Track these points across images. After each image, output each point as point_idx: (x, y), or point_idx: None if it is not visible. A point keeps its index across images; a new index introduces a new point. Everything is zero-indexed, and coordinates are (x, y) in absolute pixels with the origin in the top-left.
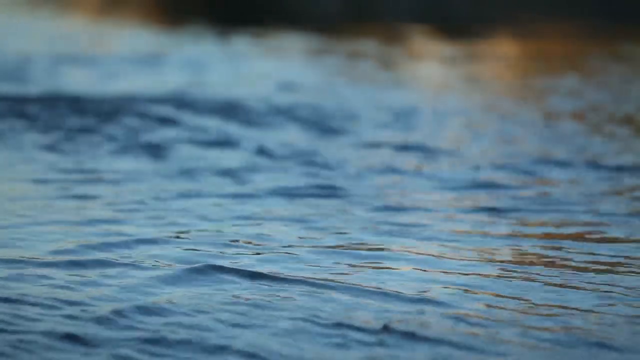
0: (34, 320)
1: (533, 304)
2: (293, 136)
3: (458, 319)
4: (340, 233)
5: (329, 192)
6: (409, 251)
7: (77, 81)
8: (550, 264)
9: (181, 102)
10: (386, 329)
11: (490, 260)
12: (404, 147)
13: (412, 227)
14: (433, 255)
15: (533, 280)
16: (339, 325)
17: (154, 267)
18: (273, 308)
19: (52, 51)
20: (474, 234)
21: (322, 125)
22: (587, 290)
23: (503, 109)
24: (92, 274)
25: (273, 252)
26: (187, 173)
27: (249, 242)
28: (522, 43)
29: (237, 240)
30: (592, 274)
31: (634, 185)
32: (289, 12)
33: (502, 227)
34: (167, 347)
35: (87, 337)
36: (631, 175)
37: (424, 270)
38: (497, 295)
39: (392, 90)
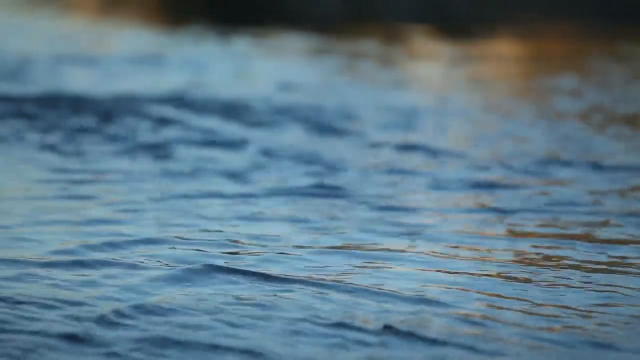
0: (34, 320)
1: (533, 304)
2: (293, 136)
3: (458, 319)
4: (340, 233)
5: (329, 192)
6: (408, 251)
7: (77, 81)
8: (550, 264)
9: (181, 102)
10: (386, 329)
11: (490, 260)
12: (405, 147)
13: (413, 227)
14: (433, 255)
15: (533, 281)
16: (339, 325)
17: (154, 267)
18: (273, 308)
19: (52, 51)
20: (474, 234)
21: (322, 125)
22: (587, 290)
23: (504, 108)
24: (92, 274)
25: (273, 252)
26: (187, 173)
27: (249, 242)
28: (522, 43)
29: (237, 240)
30: (592, 274)
31: (634, 185)
32: (289, 12)
33: (503, 227)
34: (167, 347)
35: (87, 337)
36: (632, 175)
37: (424, 270)
38: (497, 295)
39: (392, 90)
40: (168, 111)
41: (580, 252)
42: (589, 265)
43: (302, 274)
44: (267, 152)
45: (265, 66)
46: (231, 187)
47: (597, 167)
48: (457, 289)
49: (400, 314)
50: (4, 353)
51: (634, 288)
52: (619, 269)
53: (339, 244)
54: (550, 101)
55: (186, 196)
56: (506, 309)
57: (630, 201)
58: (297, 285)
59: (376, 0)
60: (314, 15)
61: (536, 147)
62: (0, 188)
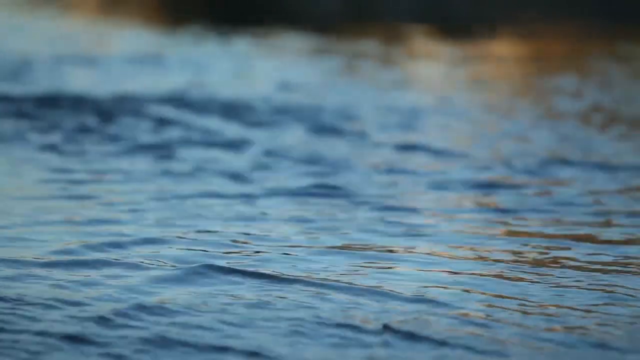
0: (34, 320)
1: (533, 304)
2: (293, 136)
3: (458, 319)
4: (341, 233)
5: (330, 192)
6: (409, 251)
7: (77, 81)
8: (550, 264)
9: (181, 102)
10: (386, 329)
11: (491, 260)
12: (405, 147)
13: (413, 227)
14: (433, 255)
15: (533, 280)
16: (339, 325)
17: (154, 267)
18: (273, 308)
19: (52, 51)
20: (474, 234)
21: (323, 125)
22: (587, 290)
23: (504, 108)
24: (92, 274)
25: (273, 252)
26: (188, 173)
27: (249, 242)
28: (522, 43)
29: (237, 240)
30: (592, 274)
31: (635, 185)
32: (289, 12)
33: (503, 227)
34: (167, 347)
35: (87, 337)
36: (633, 175)
37: (424, 270)
38: (497, 295)
39: (392, 90)
40: (168, 111)
41: (581, 252)
42: (589, 265)
43: (302, 274)
44: (267, 152)
45: (266, 66)
46: (231, 187)
47: (597, 167)
48: (457, 289)
49: (400, 314)
50: (4, 353)
51: (634, 288)
52: (619, 269)
53: (339, 244)
54: (551, 101)
55: (186, 196)
56: (506, 309)
57: (631, 201)
58: (297, 285)
59: (376, 0)
60: (314, 15)
61: (537, 147)
62: (0, 188)
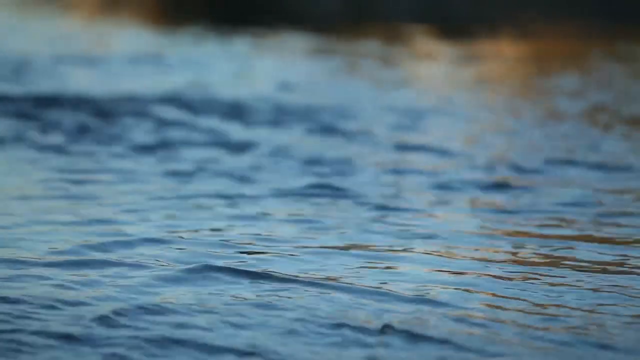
0: (34, 320)
1: (533, 304)
2: (293, 136)
3: (458, 319)
4: (341, 233)
5: (330, 192)
6: (409, 251)
7: (77, 81)
8: (550, 264)
9: (182, 102)
10: (386, 329)
11: (491, 260)
12: (405, 147)
13: (413, 227)
14: (433, 255)
15: (533, 280)
16: (339, 325)
17: (154, 267)
18: (273, 308)
19: (52, 51)
20: (474, 234)
21: (323, 125)
22: (587, 290)
23: (505, 108)
24: (92, 274)
25: (273, 252)
26: (188, 173)
27: (249, 242)
28: (523, 43)
29: (237, 240)
30: (592, 274)
31: (635, 185)
32: (289, 12)
33: (503, 227)
34: (167, 347)
35: (87, 337)
36: (633, 175)
37: (424, 270)
38: (497, 295)
39: (393, 90)
40: (168, 111)
41: (581, 252)
42: (589, 265)
43: (302, 274)
44: (267, 152)
45: (266, 66)
46: (231, 187)
47: (597, 167)
48: (457, 289)
49: (400, 314)
50: (4, 353)
51: (634, 288)
52: (619, 269)
53: (339, 244)
54: (551, 101)
55: (186, 196)
56: (506, 309)
57: (631, 201)
58: (297, 285)
59: (376, 0)
60: (314, 15)
61: (537, 147)
62: (0, 188)
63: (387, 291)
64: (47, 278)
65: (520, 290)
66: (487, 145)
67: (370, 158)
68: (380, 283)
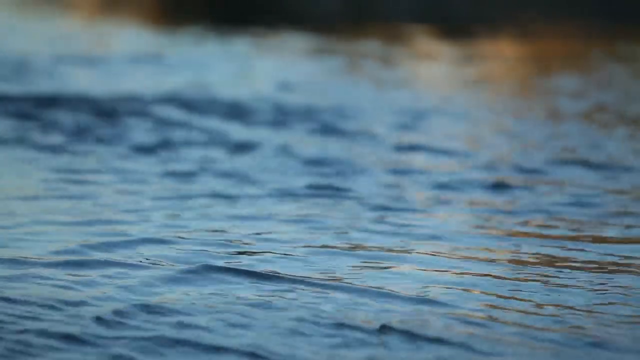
0: (34, 320)
1: (533, 304)
2: (294, 136)
3: (458, 319)
4: (341, 233)
5: (330, 192)
6: (409, 251)
7: (77, 81)
8: (550, 264)
9: (182, 102)
10: (386, 329)
11: (491, 260)
12: (405, 147)
13: (413, 227)
14: (433, 255)
15: (533, 280)
16: (339, 325)
17: (154, 267)
18: (273, 308)
19: (52, 51)
20: (474, 234)
21: (323, 125)
22: (587, 290)
23: (505, 108)
24: (92, 274)
25: (273, 252)
26: (187, 173)
27: (249, 242)
28: (523, 43)
29: (237, 240)
30: (592, 274)
31: (635, 185)
32: (289, 12)
33: (503, 227)
34: (167, 347)
35: (87, 337)
36: (633, 175)
37: (424, 270)
38: (497, 295)
39: (393, 90)
40: (168, 111)
41: (581, 252)
42: (589, 265)
43: (302, 274)
44: (268, 152)
45: (266, 66)
46: (231, 187)
47: (597, 167)
48: (457, 289)
49: (400, 314)
50: (5, 353)
51: (634, 288)
52: (619, 269)
53: (339, 244)
54: (551, 101)
55: (186, 196)
56: (506, 309)
57: (631, 201)
58: (297, 285)
59: (376, 0)
60: (314, 15)
61: (537, 147)
62: (0, 188)
63: (387, 291)
64: (47, 278)
65: (520, 290)
66: (487, 145)
67: (370, 158)
68: (380, 283)
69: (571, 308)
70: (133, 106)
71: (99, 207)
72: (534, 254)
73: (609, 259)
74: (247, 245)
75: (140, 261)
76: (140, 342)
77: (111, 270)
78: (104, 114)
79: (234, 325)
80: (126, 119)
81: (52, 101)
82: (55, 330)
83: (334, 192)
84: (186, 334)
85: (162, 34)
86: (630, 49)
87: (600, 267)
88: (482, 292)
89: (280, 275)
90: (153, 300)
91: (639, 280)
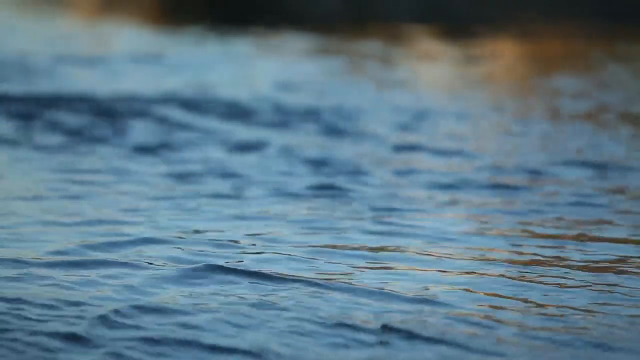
0: (34, 320)
1: (533, 304)
2: (294, 136)
3: (458, 319)
4: (341, 233)
5: (330, 192)
6: (409, 251)
7: (77, 81)
8: (550, 264)
9: (182, 102)
10: (386, 329)
11: (490, 260)
12: (405, 147)
13: (412, 227)
14: (433, 255)
15: (533, 280)
16: (339, 325)
17: (154, 267)
18: (273, 308)
19: (52, 51)
20: (474, 234)
21: (323, 125)
22: (587, 290)
23: (505, 108)
24: (92, 274)
25: (273, 252)
26: (187, 173)
27: (249, 242)
28: (523, 43)
29: (237, 240)
30: (592, 274)
31: (635, 184)
32: (289, 12)
33: (503, 227)
34: (167, 347)
35: (87, 337)
36: (633, 175)
37: (424, 270)
38: (497, 295)
39: (394, 90)
40: (168, 111)
41: (581, 252)
42: (589, 265)
43: (302, 274)
44: (268, 152)
45: (266, 66)
46: (232, 187)
47: (598, 167)
48: (457, 289)
49: (400, 314)
50: (4, 353)
51: (634, 288)
52: (619, 269)
53: (339, 244)
54: (552, 101)
55: (187, 196)
56: (506, 309)
57: (631, 201)
58: (297, 285)
59: (376, 0)
60: (314, 15)
61: (537, 147)
62: (0, 188)
63: (387, 291)
64: (47, 278)
65: (520, 290)
66: (487, 146)
67: (370, 158)
68: (380, 283)
69: (571, 308)
70: (133, 106)
71: (99, 207)
72: (534, 254)
73: (609, 258)
74: (247, 245)
75: (140, 261)
76: (140, 342)
77: (111, 270)
78: (104, 114)
79: (234, 325)
80: (126, 119)
81: (52, 101)
82: (55, 330)
83: (335, 192)
84: (186, 334)
85: (162, 34)
86: (630, 49)
87: (600, 267)
88: (482, 292)
89: (280, 275)
90: (153, 300)
91: (639, 280)
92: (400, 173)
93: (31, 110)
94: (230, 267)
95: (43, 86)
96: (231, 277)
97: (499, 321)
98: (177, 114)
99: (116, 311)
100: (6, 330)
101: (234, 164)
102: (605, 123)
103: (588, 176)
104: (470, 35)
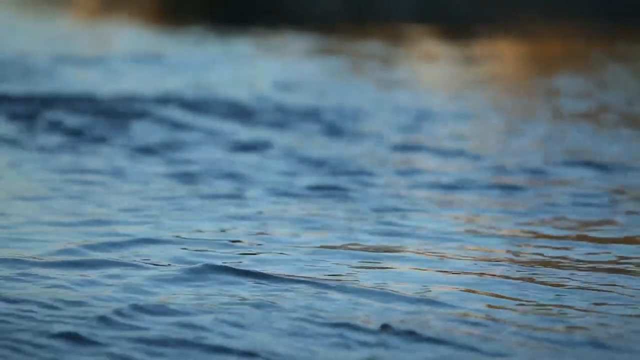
0: (34, 320)
1: (533, 304)
2: (294, 136)
3: (458, 319)
4: (341, 233)
5: (330, 192)
6: (409, 251)
7: (77, 81)
8: (550, 264)
9: (182, 102)
10: (386, 329)
11: (491, 260)
12: (406, 147)
13: (413, 227)
14: (433, 255)
15: (533, 280)
16: (339, 325)
17: (154, 267)
18: (273, 308)
19: (52, 51)
20: (474, 234)
21: (324, 125)
22: (587, 290)
23: (506, 108)
24: (92, 274)
25: (273, 252)
26: (188, 173)
27: (249, 242)
28: (523, 43)
29: (237, 240)
30: (592, 274)
31: (635, 185)
32: (289, 12)
33: (503, 227)
34: (167, 347)
35: (87, 337)
36: (633, 175)
37: (424, 270)
38: (497, 295)
39: (394, 90)
40: (169, 112)
41: (581, 252)
42: (589, 265)
43: (302, 274)
44: (268, 152)
45: (266, 66)
46: (232, 187)
47: (598, 167)
48: (457, 289)
49: (400, 314)
50: (5, 353)
51: (634, 288)
52: (619, 268)
53: (339, 244)
54: (552, 101)
55: (187, 196)
56: (506, 309)
57: (631, 201)
58: (297, 285)
59: (376, 0)
60: (314, 15)
61: (538, 147)
62: (1, 188)
63: (387, 291)
64: (47, 278)
65: (520, 290)
66: (488, 146)
67: (371, 158)
68: (380, 283)
69: (571, 308)
70: (133, 106)
71: (99, 207)
72: (534, 254)
73: (609, 259)
74: (247, 245)
75: (140, 261)
76: (141, 342)
77: (111, 270)
78: (104, 114)
79: (234, 325)
80: (126, 119)
81: (52, 101)
82: (55, 330)
83: (335, 192)
84: (186, 334)
85: (162, 34)
86: (630, 49)
87: (601, 267)
88: (482, 292)
89: (280, 275)
90: (153, 300)
91: (639, 280)
92: (400, 173)
93: (31, 110)
94: (230, 267)
95: (43, 86)
96: (231, 277)
97: (499, 321)
98: (177, 114)
99: (116, 311)
100: (6, 330)
101: (234, 164)
102: (605, 123)
103: (588, 176)
104: (470, 36)
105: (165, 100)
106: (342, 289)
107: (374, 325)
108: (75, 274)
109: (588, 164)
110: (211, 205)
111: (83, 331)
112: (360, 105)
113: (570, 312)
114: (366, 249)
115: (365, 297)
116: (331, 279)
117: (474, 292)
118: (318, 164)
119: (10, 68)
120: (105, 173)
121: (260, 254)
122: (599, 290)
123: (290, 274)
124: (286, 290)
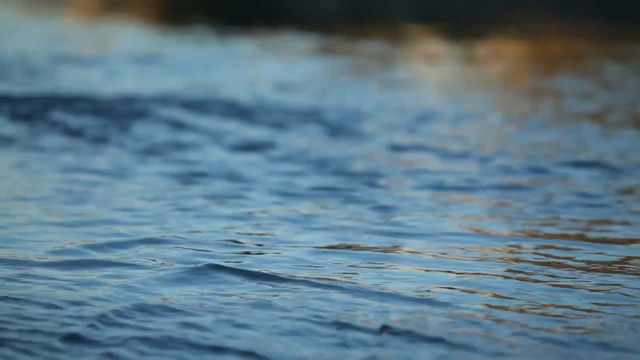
0: (34, 320)
1: (533, 304)
2: (294, 136)
3: (458, 319)
4: (341, 233)
5: (331, 192)
6: (409, 251)
7: (77, 81)
8: (550, 264)
9: (182, 102)
10: (386, 329)
11: (491, 260)
12: (406, 147)
13: (413, 227)
14: (433, 255)
15: (533, 280)
16: (339, 325)
17: (154, 267)
18: (273, 308)
19: (52, 51)
20: (474, 234)
21: (325, 125)
22: (587, 290)
23: (505, 109)
24: (92, 274)
25: (273, 252)
26: (188, 173)
27: (250, 242)
28: (523, 43)
29: (237, 240)
30: (592, 274)
31: (636, 185)
32: (290, 13)
33: (503, 227)
34: (167, 347)
35: (87, 337)
36: (634, 175)
37: (424, 270)
38: (497, 295)
39: (395, 90)
40: (169, 112)
41: (581, 252)
42: (590, 265)
43: (302, 274)
44: (269, 152)
45: (267, 66)
46: (233, 188)
47: (598, 167)
48: (457, 289)
49: (400, 314)
50: (5, 353)
51: (634, 288)
52: (619, 268)
53: (339, 244)
54: (553, 101)
55: (187, 196)
56: (506, 309)
57: (631, 201)
58: (297, 285)
59: (376, 0)
60: (315, 16)
61: (538, 147)
62: (1, 188)
63: (387, 291)
64: (47, 278)
65: (520, 290)
66: (489, 146)
67: (371, 158)
68: (380, 283)
69: (571, 308)
70: (134, 106)
71: (99, 207)
72: (534, 254)
73: (610, 259)
74: (247, 245)
75: (141, 261)
76: (141, 342)
77: (111, 270)
78: (105, 114)
79: (234, 325)
80: (127, 119)
81: (52, 101)
82: (55, 330)
83: (335, 192)
84: (186, 334)
85: (162, 34)
86: (630, 49)
87: (600, 267)
88: (482, 292)
89: (280, 275)
90: (153, 300)
91: (639, 280)
92: (400, 173)
93: (31, 110)
94: (230, 267)
95: (43, 86)
96: (232, 277)
97: (499, 321)
98: (177, 114)
99: (116, 311)
100: (7, 330)
101: (235, 164)
102: (607, 123)
103: (591, 176)
104: (471, 35)
105: (165, 100)
106: (342, 289)
107: (374, 325)
108: (75, 274)
109: (590, 164)
110: (212, 205)
111: (83, 331)
112: (361, 106)
113: (570, 312)
114: (366, 249)
115: (365, 297)
116: (331, 279)
117: (473, 292)
118: (318, 164)
119: (11, 68)
120: (105, 173)
121: (261, 254)
122: (599, 290)
123: (291, 274)
124: (286, 290)
